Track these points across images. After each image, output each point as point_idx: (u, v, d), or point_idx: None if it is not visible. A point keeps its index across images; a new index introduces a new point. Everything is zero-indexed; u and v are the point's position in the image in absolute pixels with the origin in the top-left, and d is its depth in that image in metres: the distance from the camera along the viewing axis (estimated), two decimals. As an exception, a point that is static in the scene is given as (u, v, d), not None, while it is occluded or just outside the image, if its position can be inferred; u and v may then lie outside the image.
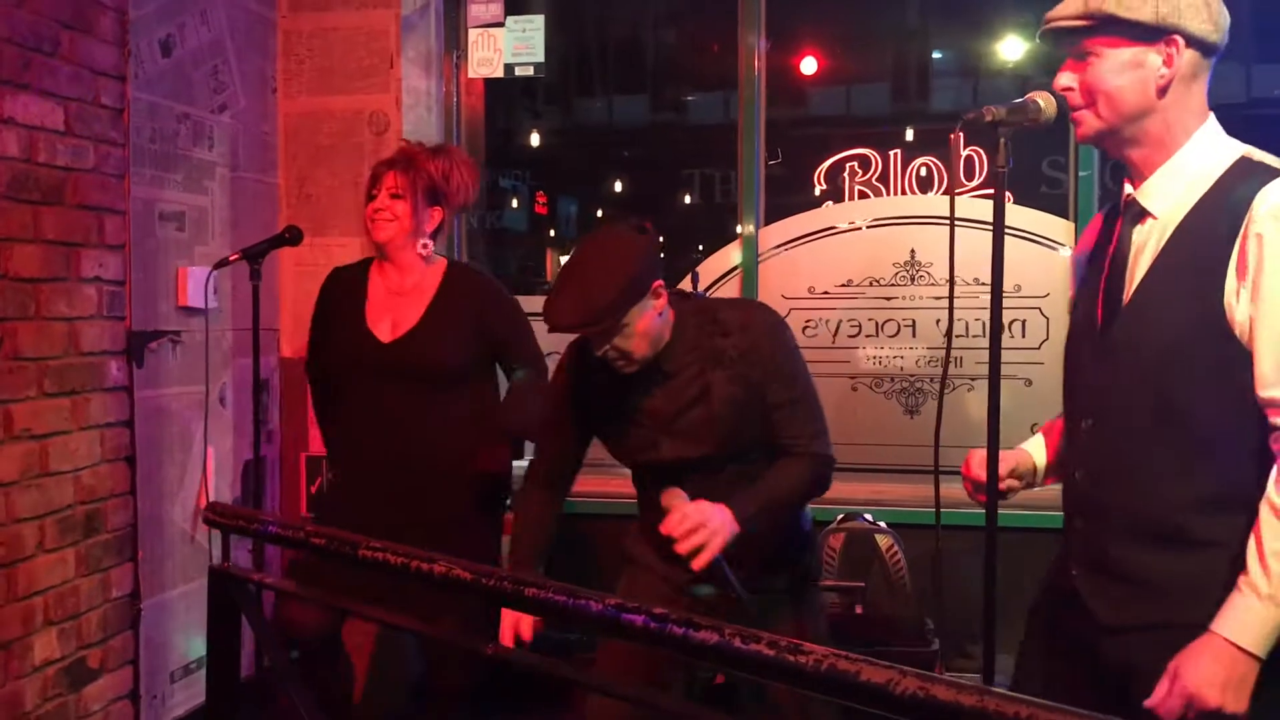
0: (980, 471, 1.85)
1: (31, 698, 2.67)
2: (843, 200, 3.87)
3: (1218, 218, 1.64)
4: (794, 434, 2.21)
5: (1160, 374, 1.67)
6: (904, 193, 3.82)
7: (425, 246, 2.83)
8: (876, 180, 3.86)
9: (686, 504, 2.09)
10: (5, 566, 2.59)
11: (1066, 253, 3.55)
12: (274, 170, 3.73)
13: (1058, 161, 4.05)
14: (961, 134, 1.56)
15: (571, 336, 2.28)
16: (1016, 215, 3.64)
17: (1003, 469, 1.87)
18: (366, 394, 2.78)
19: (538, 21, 3.90)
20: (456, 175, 2.83)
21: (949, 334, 1.83)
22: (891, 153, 3.86)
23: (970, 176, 3.79)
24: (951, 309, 1.86)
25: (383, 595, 2.17)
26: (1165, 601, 1.69)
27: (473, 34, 3.94)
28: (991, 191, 3.98)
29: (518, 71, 3.91)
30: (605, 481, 3.32)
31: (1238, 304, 1.60)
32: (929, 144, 3.99)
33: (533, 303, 3.17)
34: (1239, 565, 1.62)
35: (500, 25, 3.90)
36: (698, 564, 2.04)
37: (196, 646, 3.29)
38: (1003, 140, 1.53)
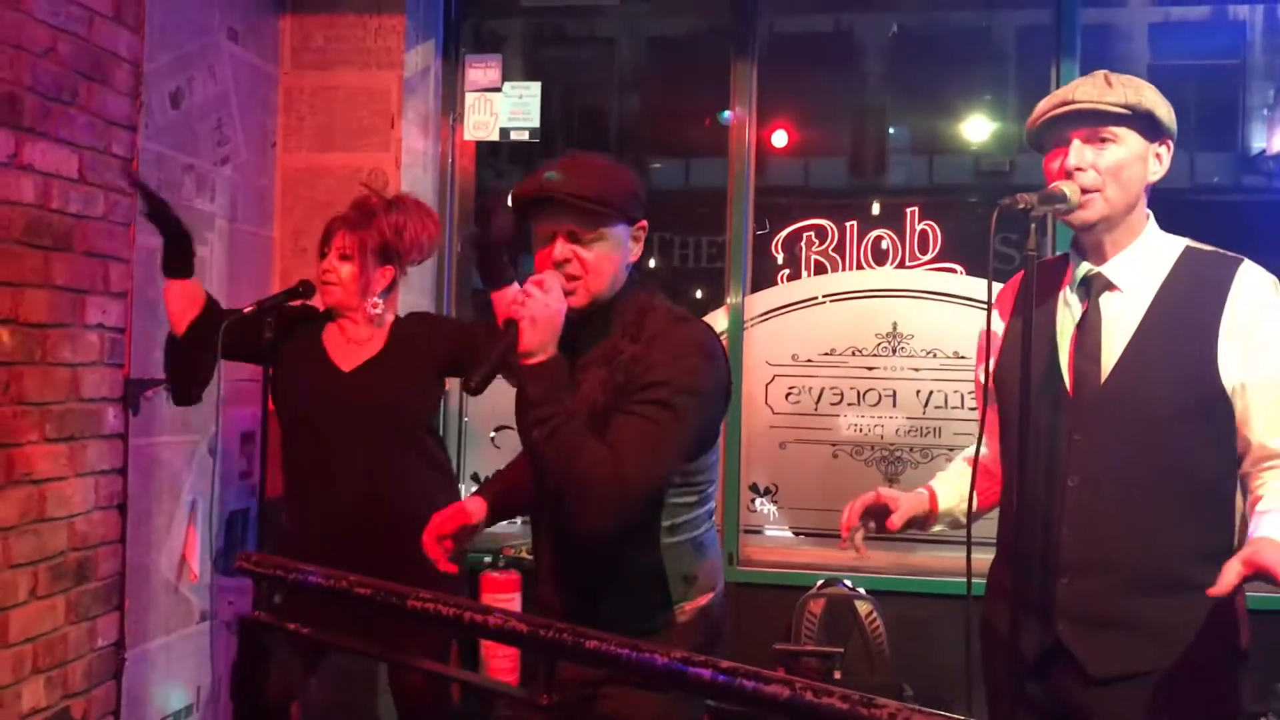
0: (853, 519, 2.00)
1: (16, 748, 2.63)
2: (799, 268, 4.00)
3: (1196, 294, 1.80)
4: (614, 441, 1.78)
5: (1160, 432, 1.79)
6: (860, 265, 3.94)
7: (375, 306, 2.78)
8: (833, 251, 3.98)
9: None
10: (-1, 613, 2.57)
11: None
12: (270, 223, 3.76)
13: (1009, 238, 4.19)
14: (996, 218, 1.66)
15: None
16: (969, 286, 3.77)
17: (898, 518, 2.01)
18: (323, 435, 2.75)
19: (534, 88, 4.00)
20: (411, 229, 2.76)
21: (983, 405, 1.92)
22: (848, 224, 3.99)
23: (925, 250, 3.93)
24: (988, 383, 1.94)
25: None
26: (1161, 646, 1.79)
27: (469, 98, 4.03)
28: (949, 266, 4.07)
29: (513, 135, 4.00)
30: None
31: (1231, 370, 1.76)
32: (885, 217, 4.12)
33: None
34: (1213, 603, 1.71)
35: (497, 90, 4.00)
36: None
37: (176, 699, 3.25)
38: (1033, 226, 1.63)
